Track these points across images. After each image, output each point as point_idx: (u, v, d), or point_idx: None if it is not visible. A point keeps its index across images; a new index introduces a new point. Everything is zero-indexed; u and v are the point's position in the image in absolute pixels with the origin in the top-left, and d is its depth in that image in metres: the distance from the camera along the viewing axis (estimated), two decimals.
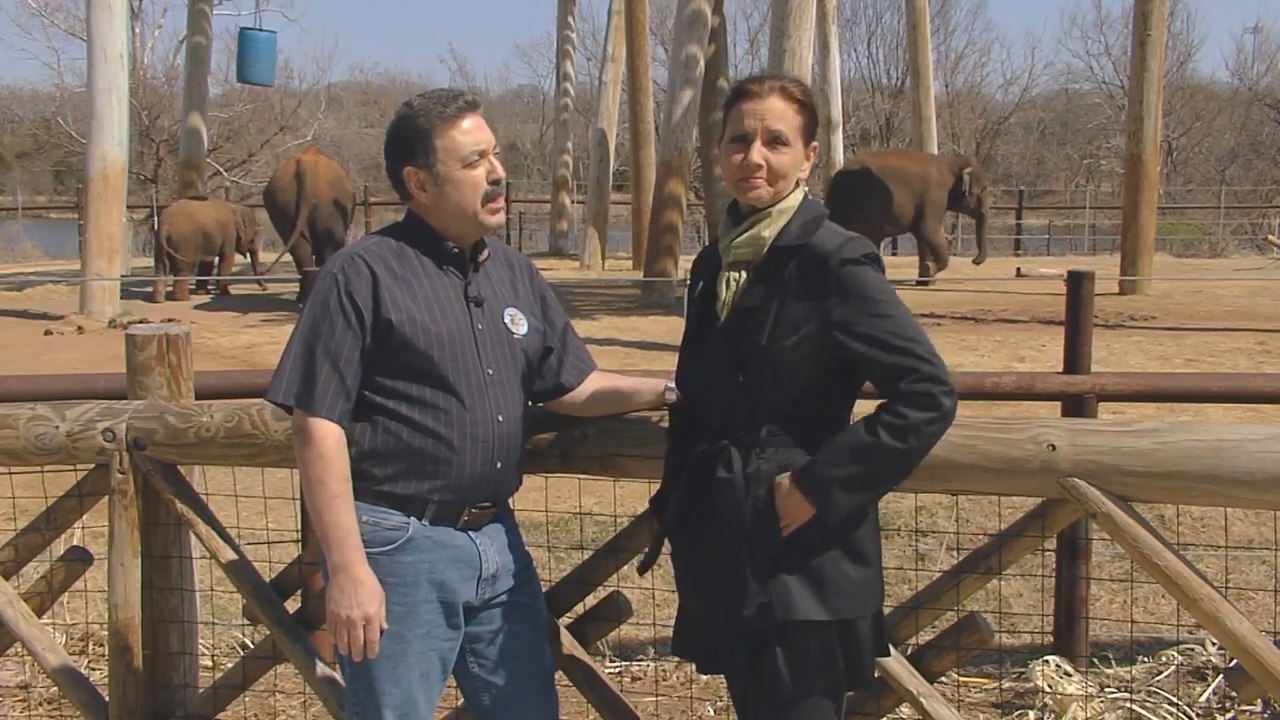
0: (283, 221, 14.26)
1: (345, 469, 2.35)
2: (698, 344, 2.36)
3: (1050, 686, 3.95)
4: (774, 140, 2.27)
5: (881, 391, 2.22)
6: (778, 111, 2.27)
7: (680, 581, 2.40)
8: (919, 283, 15.35)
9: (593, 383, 2.66)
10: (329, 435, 2.34)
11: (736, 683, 2.36)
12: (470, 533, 2.46)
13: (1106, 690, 4.02)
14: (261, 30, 17.51)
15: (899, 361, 2.19)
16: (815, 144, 2.35)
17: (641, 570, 2.46)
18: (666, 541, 2.42)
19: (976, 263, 16.28)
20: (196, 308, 14.24)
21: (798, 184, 2.33)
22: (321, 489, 2.33)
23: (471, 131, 2.42)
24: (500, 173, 2.46)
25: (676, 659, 4.34)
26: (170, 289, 15.04)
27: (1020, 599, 5.33)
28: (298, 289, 14.40)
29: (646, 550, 2.45)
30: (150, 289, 15.04)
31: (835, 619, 2.25)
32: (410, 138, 2.43)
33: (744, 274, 2.30)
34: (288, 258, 14.59)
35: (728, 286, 2.31)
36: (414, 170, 2.44)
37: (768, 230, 2.28)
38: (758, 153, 2.26)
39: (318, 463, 2.33)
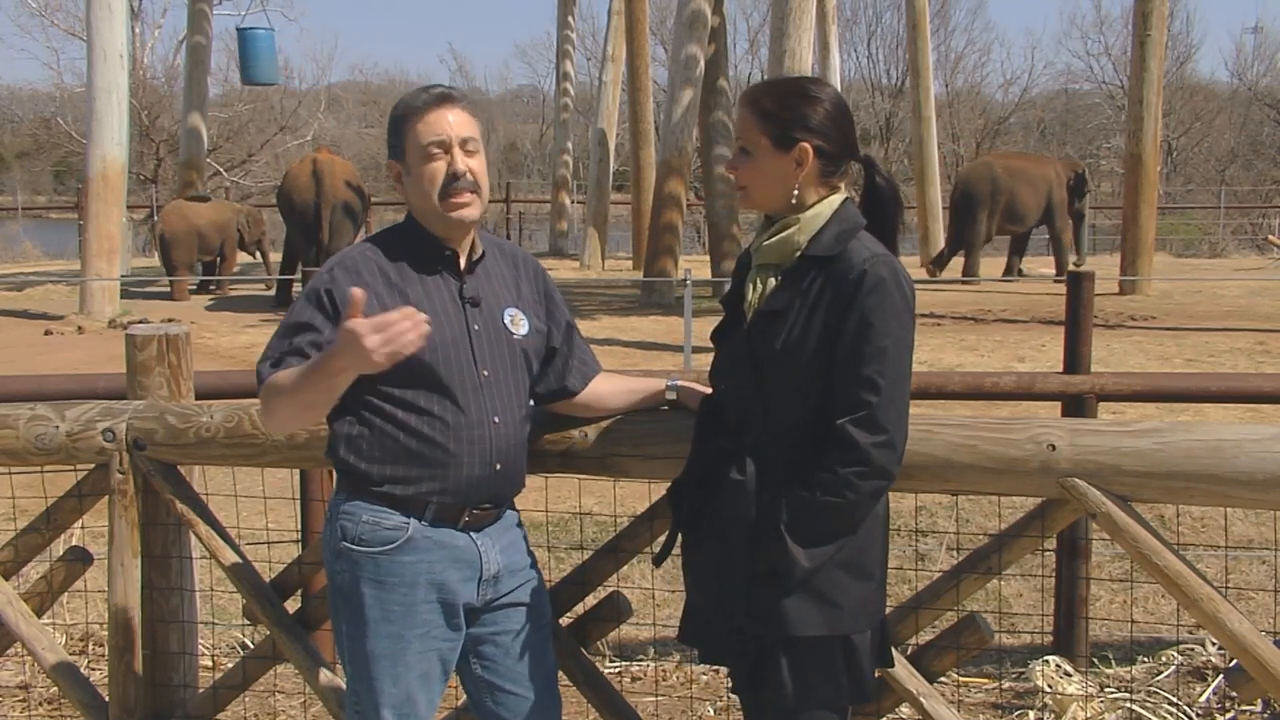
0: (300, 221, 14.14)
1: (290, 374, 2.28)
2: (723, 342, 2.36)
3: (1050, 686, 3.95)
4: (741, 152, 2.30)
5: (830, 417, 2.17)
6: (743, 124, 2.29)
7: (686, 573, 2.39)
8: (1056, 279, 15.88)
9: (596, 384, 2.65)
10: (270, 381, 2.30)
11: (739, 684, 2.36)
12: (472, 533, 2.45)
13: (1106, 690, 4.02)
14: (258, 29, 17.46)
15: (854, 394, 2.15)
16: (804, 144, 2.23)
17: (657, 562, 2.46)
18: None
19: (1077, 265, 16.45)
20: (204, 308, 14.24)
21: (837, 188, 2.28)
22: (294, 394, 2.26)
23: (434, 123, 2.37)
24: (459, 166, 2.37)
25: (676, 659, 4.36)
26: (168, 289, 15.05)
27: (1020, 599, 5.33)
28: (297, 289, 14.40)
29: (665, 540, 2.45)
30: (157, 288, 15.06)
31: (834, 634, 2.22)
32: (391, 130, 2.43)
33: (772, 278, 2.28)
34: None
35: (754, 288, 2.30)
36: (392, 163, 2.45)
37: (800, 235, 2.25)
38: (731, 167, 2.32)
39: (280, 396, 2.28)
